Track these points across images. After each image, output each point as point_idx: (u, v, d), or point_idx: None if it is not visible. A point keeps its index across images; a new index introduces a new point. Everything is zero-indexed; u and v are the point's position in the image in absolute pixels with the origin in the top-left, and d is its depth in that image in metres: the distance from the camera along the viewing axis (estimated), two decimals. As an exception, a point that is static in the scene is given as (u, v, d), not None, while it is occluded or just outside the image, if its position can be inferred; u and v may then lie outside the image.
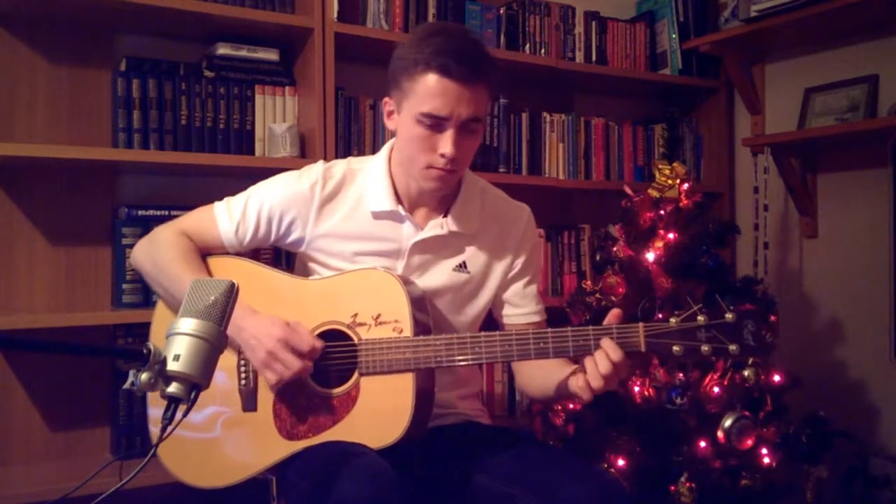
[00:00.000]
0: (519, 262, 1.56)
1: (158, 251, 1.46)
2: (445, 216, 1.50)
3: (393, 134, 1.49)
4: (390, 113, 1.46)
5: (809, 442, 2.04)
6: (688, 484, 1.90)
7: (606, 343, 1.27)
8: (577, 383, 1.28)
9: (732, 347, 1.27)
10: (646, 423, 1.96)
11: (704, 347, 1.28)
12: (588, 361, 1.27)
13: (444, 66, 1.31)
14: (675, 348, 1.28)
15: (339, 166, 1.53)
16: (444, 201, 1.51)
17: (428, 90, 1.33)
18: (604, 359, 1.26)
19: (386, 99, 1.46)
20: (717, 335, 1.28)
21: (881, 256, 2.48)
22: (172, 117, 2.03)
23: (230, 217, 1.48)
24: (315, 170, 1.50)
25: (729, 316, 1.28)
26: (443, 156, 1.36)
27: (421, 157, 1.39)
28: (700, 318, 1.28)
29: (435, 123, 1.35)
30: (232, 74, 2.12)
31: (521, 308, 1.57)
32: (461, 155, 1.38)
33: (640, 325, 1.30)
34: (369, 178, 1.50)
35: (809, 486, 2.04)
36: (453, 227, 1.49)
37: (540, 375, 1.48)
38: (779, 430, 2.01)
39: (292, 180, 1.49)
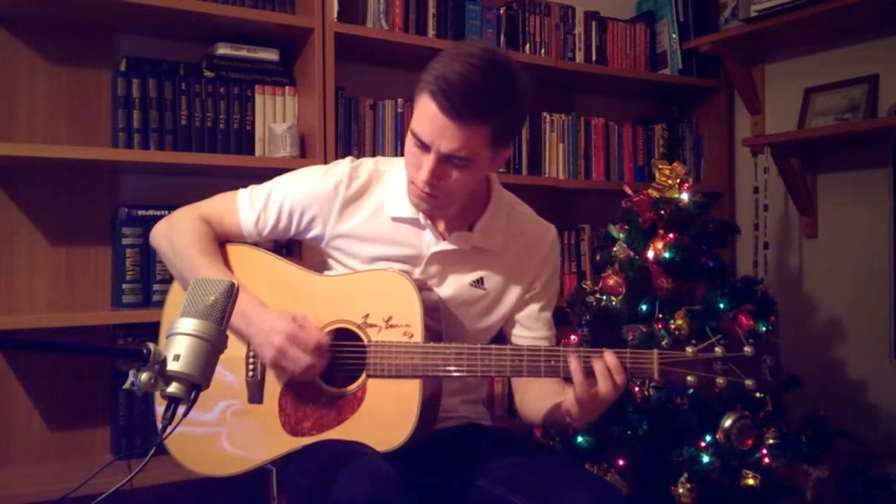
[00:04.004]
0: (538, 285, 1.53)
1: (176, 234, 1.45)
2: (470, 230, 1.47)
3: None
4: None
5: (809, 442, 2.04)
6: (688, 484, 1.90)
7: (611, 360, 1.25)
8: (567, 398, 1.27)
9: (749, 382, 1.25)
10: (646, 423, 1.96)
11: (720, 380, 1.25)
12: (575, 364, 1.25)
13: (434, 94, 1.26)
14: (690, 378, 1.26)
15: (366, 166, 1.49)
16: (466, 214, 1.48)
17: (420, 110, 1.30)
18: (602, 367, 1.24)
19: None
20: (734, 368, 1.26)
21: (881, 256, 2.48)
22: (172, 117, 2.03)
23: (252, 207, 1.47)
24: (341, 168, 1.47)
25: (748, 349, 1.26)
26: (420, 176, 1.33)
27: (409, 169, 1.37)
28: (717, 349, 1.26)
29: (420, 144, 1.31)
30: (232, 74, 2.12)
31: (532, 331, 1.53)
32: (442, 185, 1.33)
33: (655, 351, 1.27)
34: (393, 182, 1.47)
35: (809, 486, 2.04)
36: (477, 243, 1.46)
37: (537, 398, 1.46)
38: (779, 430, 2.01)
39: (318, 176, 1.47)
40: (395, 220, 1.45)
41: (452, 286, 1.47)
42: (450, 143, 1.28)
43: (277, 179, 1.50)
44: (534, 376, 1.32)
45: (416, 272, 1.46)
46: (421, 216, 1.44)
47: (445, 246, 1.45)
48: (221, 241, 1.48)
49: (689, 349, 1.26)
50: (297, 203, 1.46)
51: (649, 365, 1.26)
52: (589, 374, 1.25)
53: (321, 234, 1.48)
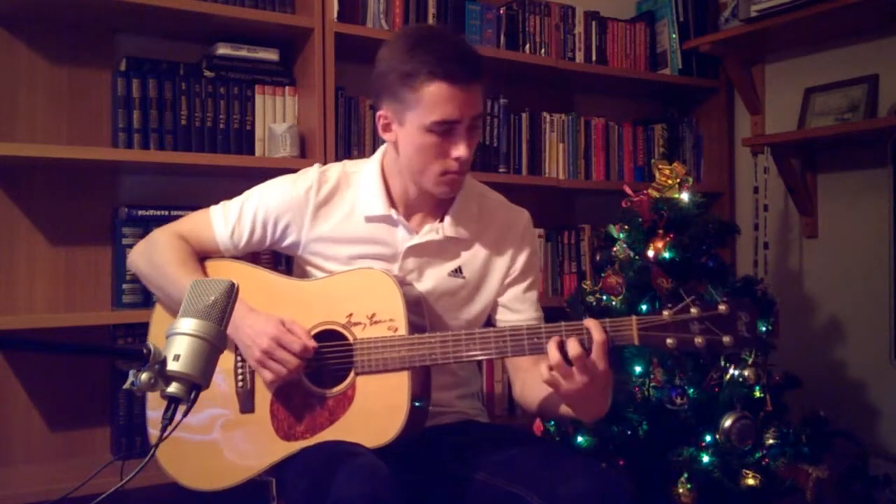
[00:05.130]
0: (518, 266, 1.54)
1: (155, 254, 1.46)
2: (441, 221, 1.50)
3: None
4: (386, 126, 1.43)
5: (809, 442, 2.04)
6: (688, 484, 1.90)
7: (590, 322, 1.24)
8: (543, 373, 1.24)
9: (726, 339, 1.26)
10: (646, 423, 1.96)
11: (698, 339, 1.26)
12: (551, 343, 1.23)
13: (451, 73, 1.32)
14: (669, 341, 1.26)
15: (335, 170, 1.52)
16: (440, 205, 1.51)
17: (437, 98, 1.33)
18: (574, 341, 1.21)
19: (379, 113, 1.43)
20: (711, 327, 1.27)
21: (881, 256, 2.48)
22: (172, 117, 2.03)
23: (226, 221, 1.49)
24: (310, 174, 1.50)
25: (722, 307, 1.27)
26: (457, 159, 1.37)
27: (435, 165, 1.39)
28: (693, 310, 1.27)
29: (446, 129, 1.35)
30: (232, 74, 2.12)
31: (520, 313, 1.54)
32: (471, 155, 1.41)
33: (633, 317, 1.28)
34: (363, 183, 1.50)
35: (809, 486, 2.03)
36: (449, 232, 1.49)
37: (536, 385, 1.44)
38: (779, 430, 2.01)
39: (288, 185, 1.50)
40: (368, 219, 1.48)
41: (432, 279, 1.50)
42: (474, 107, 1.37)
43: (249, 192, 1.53)
44: (519, 355, 1.33)
45: (395, 269, 1.48)
46: (393, 212, 1.47)
47: (418, 239, 1.48)
48: (200, 257, 1.50)
49: (665, 312, 1.28)
50: (271, 212, 1.48)
51: (629, 331, 1.27)
52: (564, 352, 1.23)
53: (297, 241, 1.50)
